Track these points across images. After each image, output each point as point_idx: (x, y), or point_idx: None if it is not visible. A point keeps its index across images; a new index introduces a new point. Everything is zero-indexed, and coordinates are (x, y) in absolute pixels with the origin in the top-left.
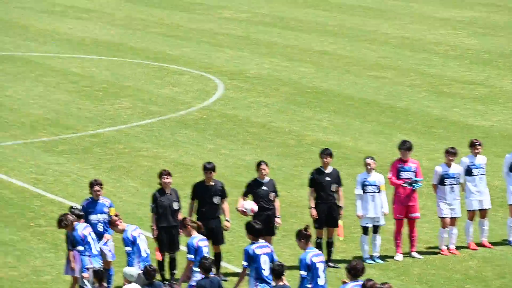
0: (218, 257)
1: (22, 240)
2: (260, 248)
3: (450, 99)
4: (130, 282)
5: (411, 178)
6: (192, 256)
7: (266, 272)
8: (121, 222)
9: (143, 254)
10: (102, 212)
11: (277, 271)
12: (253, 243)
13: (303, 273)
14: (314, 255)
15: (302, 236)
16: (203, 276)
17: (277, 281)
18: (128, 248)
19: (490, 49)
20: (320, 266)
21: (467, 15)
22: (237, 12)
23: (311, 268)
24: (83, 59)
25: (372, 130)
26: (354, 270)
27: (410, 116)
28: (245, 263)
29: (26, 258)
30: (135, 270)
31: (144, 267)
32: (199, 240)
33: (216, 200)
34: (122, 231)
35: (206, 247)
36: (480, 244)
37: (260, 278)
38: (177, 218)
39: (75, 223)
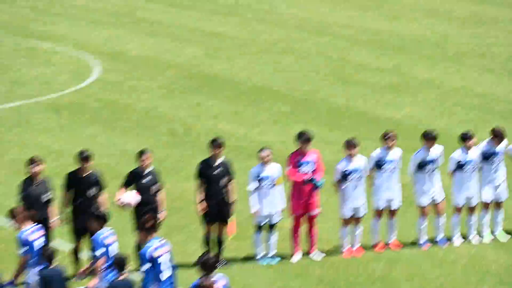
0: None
1: None
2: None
3: (357, 87)
4: None
5: (312, 178)
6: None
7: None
8: None
9: None
10: None
11: (120, 261)
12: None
13: (145, 266)
14: (156, 248)
15: (143, 228)
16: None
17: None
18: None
19: (401, 34)
20: (163, 259)
21: None
22: None
23: (153, 262)
24: None
25: (268, 119)
26: (206, 265)
27: (311, 105)
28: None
29: None
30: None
31: None
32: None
33: (92, 191)
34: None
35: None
36: (388, 245)
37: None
38: (48, 210)
39: None
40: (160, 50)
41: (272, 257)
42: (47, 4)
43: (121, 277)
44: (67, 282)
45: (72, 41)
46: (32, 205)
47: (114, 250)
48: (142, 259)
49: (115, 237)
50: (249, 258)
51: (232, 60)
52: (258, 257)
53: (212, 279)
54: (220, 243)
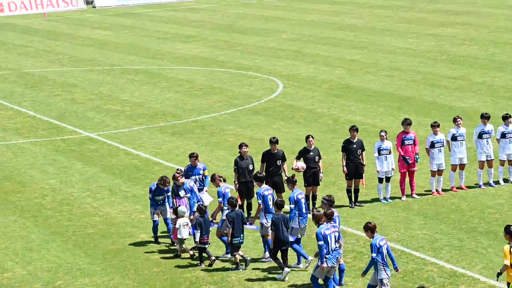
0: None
1: (145, 194)
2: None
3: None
4: (182, 217)
5: (415, 155)
6: (260, 201)
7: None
8: (220, 179)
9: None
10: (198, 174)
11: (279, 204)
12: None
13: (291, 206)
14: (298, 193)
15: (290, 182)
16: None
17: (278, 212)
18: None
19: None
20: (302, 200)
21: None
22: (290, 35)
23: (296, 203)
24: (186, 69)
25: (383, 112)
26: (330, 215)
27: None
28: (259, 201)
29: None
30: (185, 208)
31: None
32: (264, 189)
33: (278, 162)
34: (218, 185)
35: (270, 195)
36: (460, 188)
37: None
38: (251, 175)
39: (183, 179)
40: (318, 72)
41: (388, 198)
42: (249, 47)
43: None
44: (244, 222)
45: (265, 70)
46: (243, 173)
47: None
48: (290, 201)
49: (270, 190)
50: (376, 199)
51: (363, 75)
52: (380, 198)
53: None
54: (356, 191)
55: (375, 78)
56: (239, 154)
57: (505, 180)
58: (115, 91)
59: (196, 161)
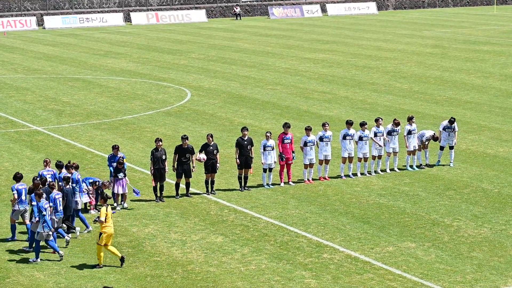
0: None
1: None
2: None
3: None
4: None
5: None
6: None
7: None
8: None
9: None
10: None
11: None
12: None
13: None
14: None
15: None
16: None
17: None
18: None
19: None
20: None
21: None
22: (198, 55)
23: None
24: (115, 79)
25: (268, 117)
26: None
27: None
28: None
29: None
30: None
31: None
32: None
33: (187, 155)
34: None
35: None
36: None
37: None
38: (164, 164)
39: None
40: (219, 84)
41: (269, 185)
42: (165, 62)
43: None
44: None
45: (177, 81)
46: (157, 161)
47: None
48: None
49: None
50: (260, 185)
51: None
52: (264, 184)
53: None
54: (245, 178)
55: (262, 90)
56: (155, 147)
57: (362, 173)
58: (59, 95)
59: (118, 152)
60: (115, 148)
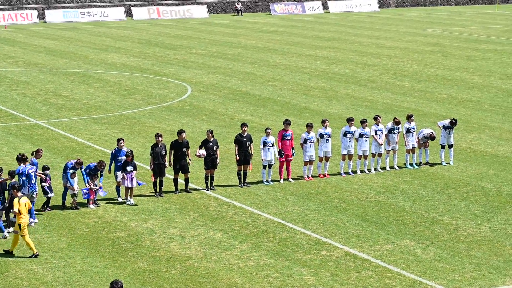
0: (187, 181)
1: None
2: None
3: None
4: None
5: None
6: None
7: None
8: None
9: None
10: (124, 155)
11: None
12: None
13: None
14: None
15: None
16: None
17: None
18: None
19: None
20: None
21: None
22: (199, 50)
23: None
24: (116, 74)
25: (268, 114)
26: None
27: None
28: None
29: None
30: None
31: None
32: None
33: (184, 149)
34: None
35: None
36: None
37: None
38: (164, 159)
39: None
40: (219, 80)
41: (268, 181)
42: (166, 57)
43: None
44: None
45: (178, 77)
46: (157, 156)
47: None
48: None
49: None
50: (260, 181)
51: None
52: (263, 180)
53: None
54: (245, 174)
55: (263, 86)
56: (155, 142)
57: (361, 171)
58: (59, 89)
59: (122, 145)
60: (121, 141)
